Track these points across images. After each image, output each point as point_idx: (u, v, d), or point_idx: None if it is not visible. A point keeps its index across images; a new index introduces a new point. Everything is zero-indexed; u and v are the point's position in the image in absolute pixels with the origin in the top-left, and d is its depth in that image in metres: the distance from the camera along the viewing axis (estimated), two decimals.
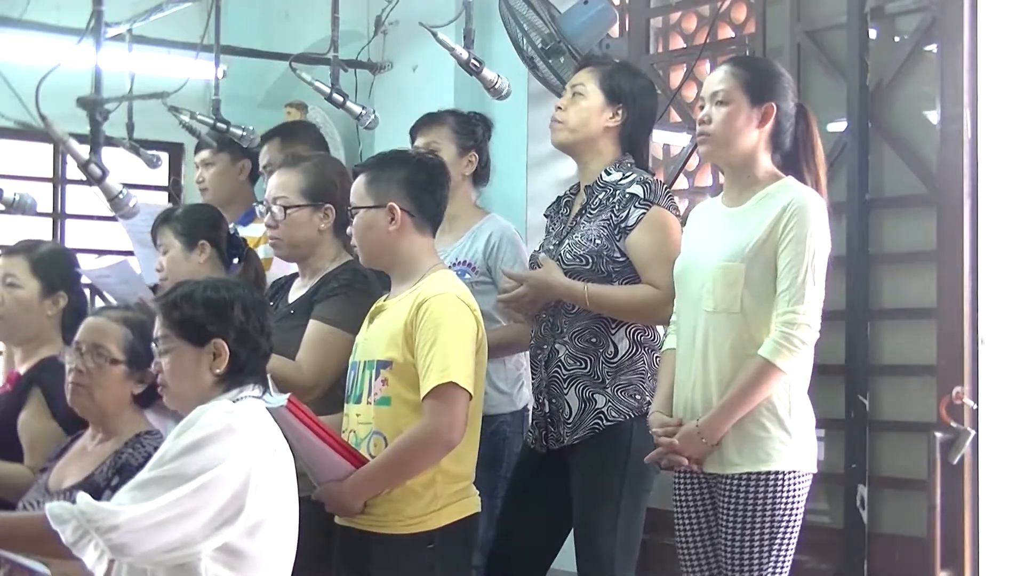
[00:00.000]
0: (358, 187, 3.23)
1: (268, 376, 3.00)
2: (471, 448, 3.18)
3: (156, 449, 2.91)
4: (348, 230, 3.29)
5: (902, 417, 4.03)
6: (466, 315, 3.12)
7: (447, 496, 3.10)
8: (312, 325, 3.37)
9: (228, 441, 2.59)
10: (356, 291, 3.40)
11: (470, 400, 3.08)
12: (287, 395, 2.95)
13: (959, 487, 3.77)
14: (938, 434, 3.75)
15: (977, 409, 3.79)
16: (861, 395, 4.04)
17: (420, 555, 3.06)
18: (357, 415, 3.16)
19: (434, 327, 3.05)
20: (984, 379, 3.82)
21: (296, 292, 3.53)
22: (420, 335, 3.06)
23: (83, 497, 2.52)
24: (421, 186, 3.23)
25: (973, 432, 3.76)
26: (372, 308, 3.26)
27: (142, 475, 2.58)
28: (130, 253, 4.61)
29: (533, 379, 3.65)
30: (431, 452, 3.05)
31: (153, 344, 2.83)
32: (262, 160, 4.50)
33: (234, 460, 2.58)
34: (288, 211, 3.45)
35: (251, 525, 2.61)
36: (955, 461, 3.76)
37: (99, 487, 2.95)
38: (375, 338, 3.17)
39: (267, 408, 2.90)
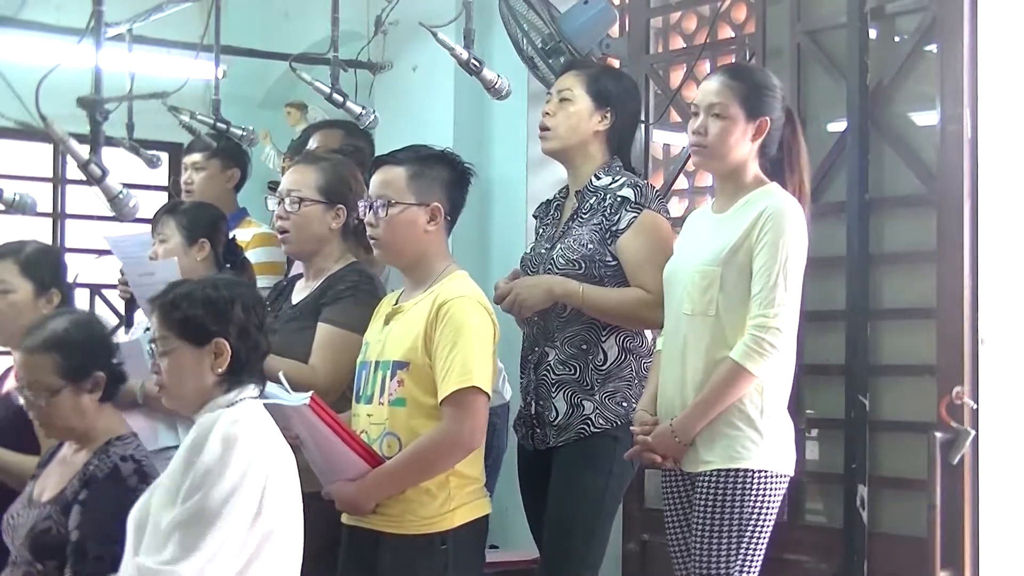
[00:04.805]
0: (395, 180, 3.18)
1: (280, 375, 3.02)
2: (481, 450, 3.18)
3: (122, 459, 2.96)
4: (365, 215, 3.20)
5: (902, 417, 4.03)
6: (486, 319, 3.13)
7: (460, 497, 3.10)
8: (323, 328, 3.36)
9: (241, 459, 2.62)
10: (364, 292, 3.39)
11: (488, 402, 3.09)
12: (310, 393, 2.96)
13: (959, 487, 3.77)
14: (938, 434, 3.75)
15: (977, 409, 3.79)
16: (861, 395, 4.04)
17: (433, 556, 3.06)
18: (368, 415, 3.15)
19: (455, 330, 3.04)
20: (984, 379, 3.82)
21: (300, 293, 3.52)
22: (440, 338, 3.05)
23: (135, 565, 2.59)
24: (456, 188, 3.25)
25: (973, 432, 3.76)
26: (388, 310, 3.25)
27: (175, 517, 2.60)
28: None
29: (522, 379, 3.66)
30: (452, 456, 3.06)
31: (150, 345, 2.81)
32: (312, 144, 4.45)
33: (250, 477, 2.62)
34: (303, 203, 3.44)
35: (266, 531, 2.65)
36: (955, 461, 3.76)
37: (68, 503, 2.96)
38: (394, 339, 3.15)
39: (287, 406, 2.92)
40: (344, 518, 3.17)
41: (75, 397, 3.04)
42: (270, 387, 3.01)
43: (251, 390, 2.81)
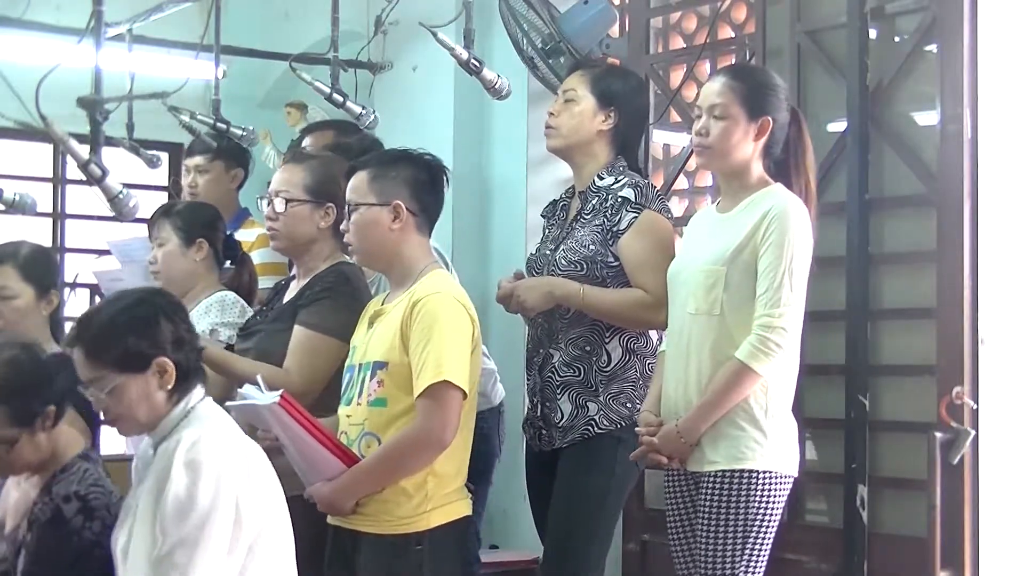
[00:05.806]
0: (359, 184, 3.21)
1: (258, 377, 3.00)
2: (464, 450, 3.17)
3: (65, 499, 2.86)
4: (343, 225, 3.26)
5: (902, 417, 4.03)
6: (462, 315, 3.12)
7: (438, 498, 3.09)
8: (298, 331, 3.34)
9: (208, 481, 2.60)
10: (340, 294, 3.37)
11: (464, 400, 3.07)
12: (279, 392, 2.95)
13: (959, 487, 3.77)
14: (938, 434, 3.75)
15: (977, 409, 3.79)
16: (861, 395, 4.04)
17: (409, 556, 3.06)
18: (348, 416, 3.15)
19: (428, 326, 3.04)
20: (984, 379, 3.82)
21: (290, 293, 3.52)
22: (414, 335, 3.05)
23: None
24: (425, 186, 3.24)
25: (973, 432, 3.76)
26: (372, 312, 3.25)
27: (157, 552, 2.58)
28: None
29: (528, 381, 3.67)
30: (424, 452, 3.05)
31: (86, 384, 2.76)
32: (305, 145, 4.44)
33: (223, 495, 2.60)
34: (290, 204, 3.44)
35: (251, 538, 2.65)
36: (955, 461, 3.76)
37: (18, 544, 2.92)
38: (375, 341, 3.15)
39: (260, 405, 2.92)
40: (329, 518, 3.17)
41: (32, 438, 2.93)
42: (246, 388, 3.03)
43: (198, 392, 2.79)
